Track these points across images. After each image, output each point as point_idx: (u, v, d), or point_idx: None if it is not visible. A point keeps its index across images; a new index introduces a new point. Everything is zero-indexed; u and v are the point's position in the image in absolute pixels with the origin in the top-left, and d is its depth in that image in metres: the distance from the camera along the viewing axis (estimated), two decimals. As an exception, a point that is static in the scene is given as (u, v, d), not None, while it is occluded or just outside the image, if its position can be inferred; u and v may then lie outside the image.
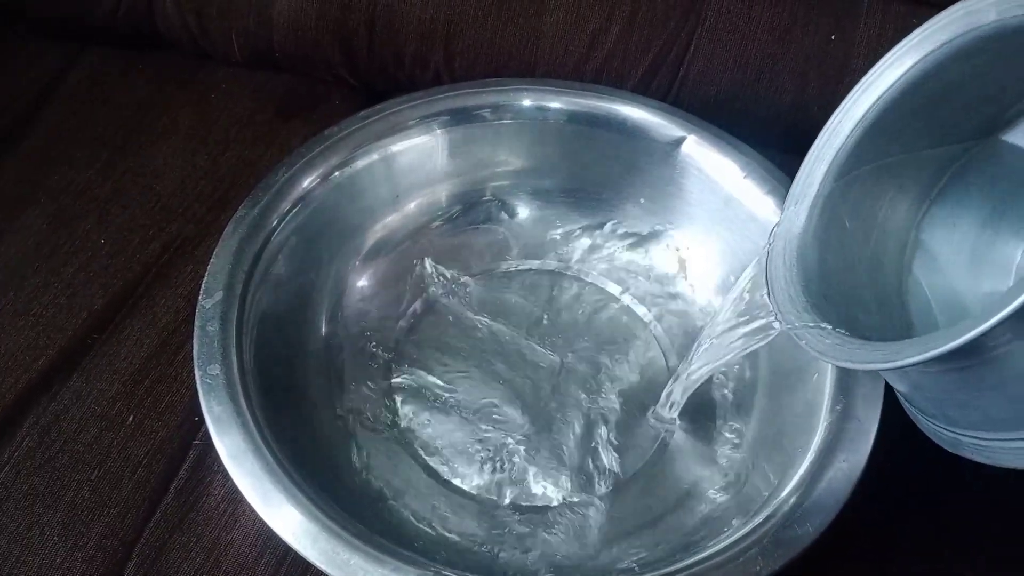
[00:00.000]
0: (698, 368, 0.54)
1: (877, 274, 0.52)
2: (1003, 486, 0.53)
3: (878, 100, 0.48)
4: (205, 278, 0.53)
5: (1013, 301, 0.32)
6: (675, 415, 0.58)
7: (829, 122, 0.50)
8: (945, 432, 0.43)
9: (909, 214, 0.52)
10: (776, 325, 0.47)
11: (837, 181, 0.49)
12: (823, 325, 0.43)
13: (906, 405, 0.47)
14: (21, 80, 0.76)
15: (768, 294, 0.48)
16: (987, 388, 0.38)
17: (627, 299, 0.65)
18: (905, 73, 0.47)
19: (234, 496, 0.52)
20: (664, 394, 0.58)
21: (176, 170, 0.69)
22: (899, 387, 0.47)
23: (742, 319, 0.51)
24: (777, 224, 0.51)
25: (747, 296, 0.50)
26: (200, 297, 0.52)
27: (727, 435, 0.57)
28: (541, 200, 0.67)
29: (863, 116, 0.48)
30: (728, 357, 0.52)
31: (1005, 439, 0.39)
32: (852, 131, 0.49)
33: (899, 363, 0.37)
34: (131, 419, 0.55)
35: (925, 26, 0.46)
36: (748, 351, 0.51)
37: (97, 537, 0.50)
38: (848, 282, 0.49)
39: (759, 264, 0.50)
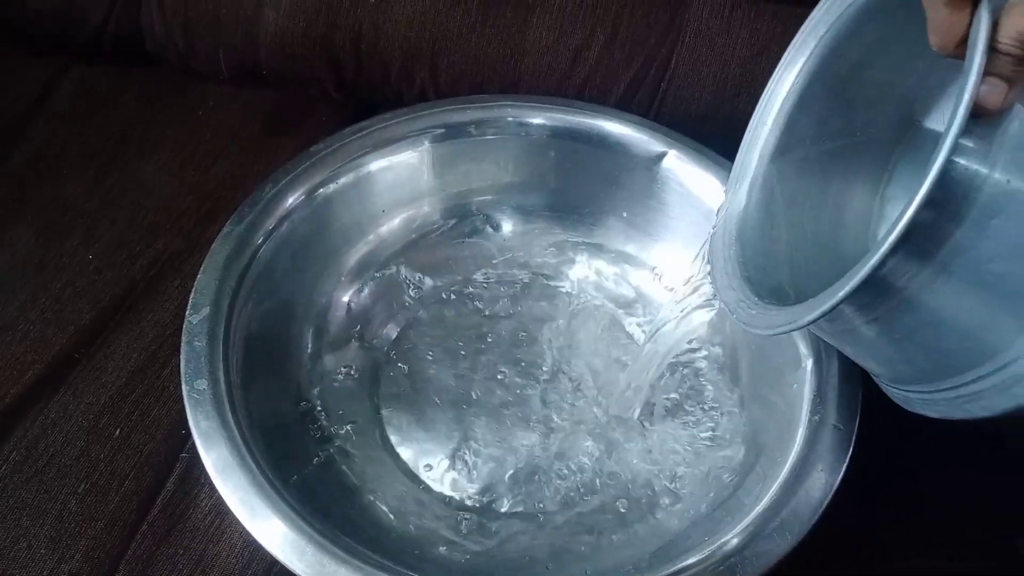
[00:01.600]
0: (648, 360, 0.56)
1: (836, 246, 0.52)
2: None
3: (797, 78, 0.48)
4: (192, 294, 0.54)
5: (865, 266, 0.34)
6: (634, 415, 0.59)
7: (758, 104, 0.51)
8: (896, 391, 0.44)
9: (866, 194, 0.53)
10: (716, 301, 0.49)
11: (773, 162, 0.50)
12: (752, 298, 0.45)
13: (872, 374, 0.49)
14: (8, 95, 0.76)
15: (710, 271, 0.49)
16: (902, 339, 0.40)
17: (609, 309, 0.66)
18: (816, 46, 0.47)
19: (220, 509, 0.52)
20: (620, 391, 0.59)
21: (163, 185, 0.70)
22: (846, 352, 0.48)
23: (687, 299, 0.52)
24: (721, 205, 0.52)
25: (697, 278, 0.52)
26: (187, 313, 0.53)
27: (704, 444, 0.58)
28: (525, 214, 0.68)
29: (786, 95, 0.49)
30: (674, 344, 0.55)
31: (939, 390, 0.40)
32: (778, 112, 0.49)
33: (800, 322, 0.38)
34: (118, 432, 0.55)
35: None
36: (692, 336, 0.53)
37: (84, 550, 0.51)
38: (798, 254, 0.50)
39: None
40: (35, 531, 0.51)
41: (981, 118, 0.34)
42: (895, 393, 0.45)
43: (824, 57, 0.48)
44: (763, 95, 0.50)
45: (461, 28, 0.70)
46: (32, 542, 0.51)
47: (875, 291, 0.37)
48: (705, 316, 0.53)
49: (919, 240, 0.35)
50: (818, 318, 0.37)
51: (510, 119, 0.65)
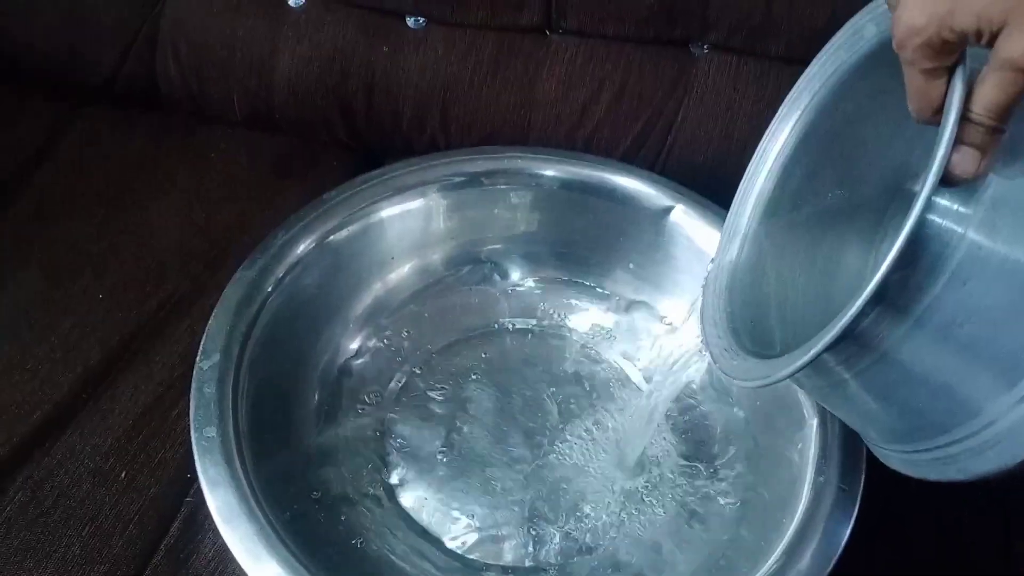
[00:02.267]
0: (648, 411, 0.56)
1: (827, 303, 0.52)
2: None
3: (791, 132, 0.49)
4: (203, 340, 0.54)
5: (841, 321, 0.34)
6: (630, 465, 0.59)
7: (753, 157, 0.51)
8: (879, 449, 0.45)
9: (861, 252, 0.53)
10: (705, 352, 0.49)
11: (766, 215, 0.50)
12: (736, 349, 0.45)
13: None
14: (18, 138, 0.77)
15: (700, 321, 0.50)
16: (880, 398, 0.40)
17: (616, 359, 0.66)
18: (811, 101, 0.48)
19: (224, 555, 0.52)
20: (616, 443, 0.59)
21: (172, 228, 0.70)
22: (829, 409, 0.49)
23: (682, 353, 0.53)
24: (713, 257, 0.52)
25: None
26: (198, 358, 0.53)
27: (713, 508, 0.58)
28: (533, 263, 0.69)
29: (780, 148, 0.50)
30: (670, 391, 0.55)
31: (917, 451, 0.41)
32: (772, 165, 0.50)
33: (778, 375, 0.39)
34: (124, 475, 0.55)
35: (825, 48, 0.47)
36: (684, 382, 0.54)
37: (87, 595, 0.50)
38: (788, 309, 0.50)
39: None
40: (38, 574, 0.51)
41: (956, 185, 0.35)
42: (878, 452, 0.45)
43: (818, 112, 0.48)
44: (758, 148, 0.51)
45: (472, 78, 0.71)
46: (35, 586, 0.51)
47: (851, 346, 0.37)
48: (702, 366, 0.54)
49: (894, 297, 0.35)
50: (795, 372, 0.38)
51: (520, 170, 0.66)
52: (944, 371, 0.37)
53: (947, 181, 0.34)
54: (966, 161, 0.34)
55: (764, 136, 0.51)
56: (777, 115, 0.50)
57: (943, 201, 0.36)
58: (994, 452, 0.36)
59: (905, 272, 0.35)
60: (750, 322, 0.48)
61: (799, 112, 0.49)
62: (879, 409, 0.41)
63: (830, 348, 0.36)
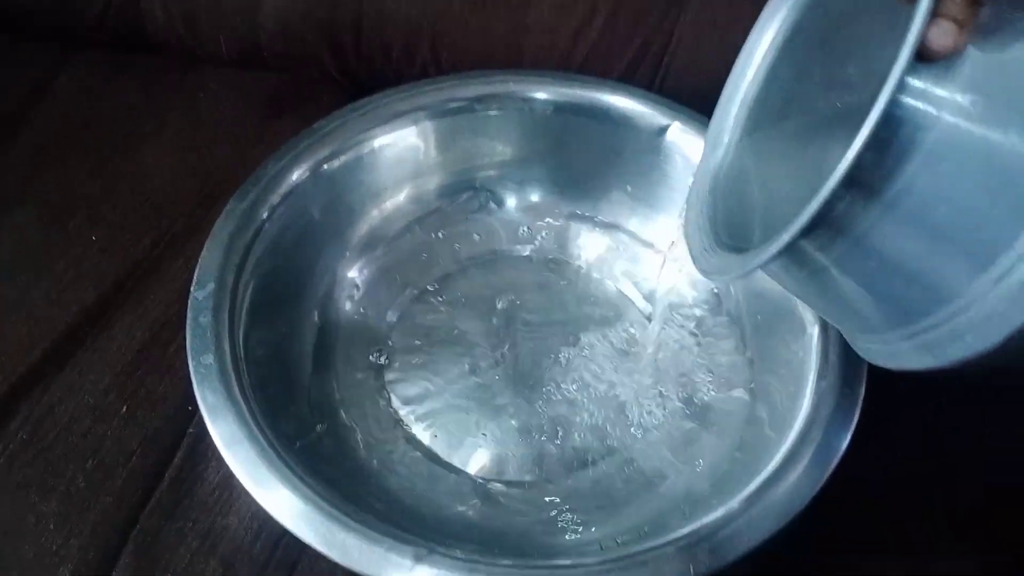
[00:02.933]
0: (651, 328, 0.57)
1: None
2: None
3: (778, 30, 0.48)
4: (197, 270, 0.54)
5: (814, 204, 0.34)
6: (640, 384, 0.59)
7: (738, 57, 0.50)
8: (860, 344, 0.45)
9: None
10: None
11: (753, 122, 0.50)
12: (715, 247, 0.45)
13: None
14: (9, 84, 0.76)
15: (683, 224, 0.49)
16: (857, 285, 0.40)
17: (615, 278, 0.66)
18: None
19: (229, 482, 0.52)
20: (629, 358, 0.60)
21: (166, 169, 0.69)
22: (809, 304, 0.48)
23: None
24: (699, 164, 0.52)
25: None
26: (192, 289, 0.53)
27: (716, 417, 0.58)
28: (529, 189, 0.68)
29: (767, 47, 0.48)
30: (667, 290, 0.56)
31: (895, 339, 0.40)
32: (759, 65, 0.49)
33: (752, 264, 0.38)
34: (124, 410, 0.55)
35: None
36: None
37: (92, 525, 0.50)
38: (770, 214, 0.49)
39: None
40: (43, 508, 0.51)
41: (932, 61, 0.34)
42: (859, 347, 0.45)
43: (807, 8, 0.47)
44: (743, 48, 0.50)
45: (463, 7, 0.70)
46: (40, 518, 0.51)
47: (825, 231, 0.37)
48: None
49: (867, 179, 0.35)
50: (770, 258, 0.37)
51: (512, 94, 0.65)
52: (920, 255, 0.37)
53: (923, 56, 0.33)
54: (943, 35, 0.33)
55: (750, 35, 0.49)
56: (763, 12, 0.48)
57: (917, 83, 0.35)
58: (972, 336, 0.36)
59: (877, 153, 0.34)
60: (732, 225, 0.47)
61: (786, 8, 0.47)
62: (856, 298, 0.41)
63: (804, 233, 0.35)
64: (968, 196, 0.35)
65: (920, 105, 0.34)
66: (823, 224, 0.36)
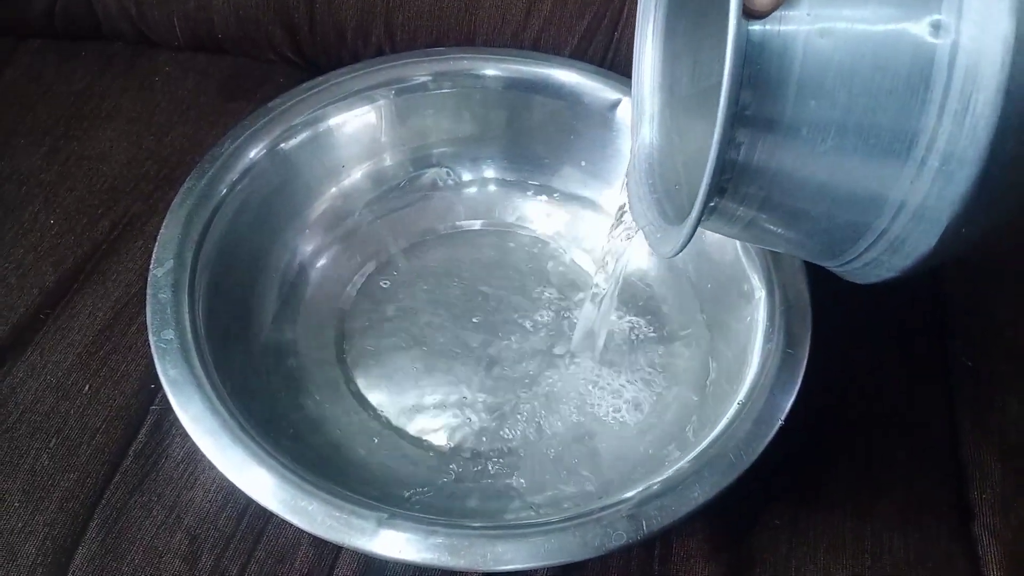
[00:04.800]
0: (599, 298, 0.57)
1: None
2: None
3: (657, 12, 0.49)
4: (155, 248, 0.54)
5: (711, 155, 0.34)
6: (596, 353, 0.60)
7: (635, 36, 0.50)
8: (830, 268, 0.45)
9: None
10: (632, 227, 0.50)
11: (666, 93, 0.50)
12: (660, 222, 0.45)
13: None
14: (-43, 76, 0.75)
15: (628, 205, 0.50)
16: (793, 222, 0.41)
17: (571, 252, 0.67)
18: None
19: (193, 456, 0.53)
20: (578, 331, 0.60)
21: (121, 152, 0.70)
22: (765, 246, 0.50)
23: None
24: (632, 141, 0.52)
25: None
26: (151, 266, 0.53)
27: (669, 380, 0.60)
28: (485, 165, 0.69)
29: (655, 16, 0.49)
30: (612, 273, 0.56)
31: (847, 262, 0.42)
32: (653, 35, 0.50)
33: (687, 231, 0.38)
34: (87, 388, 0.56)
35: None
36: (622, 265, 0.55)
37: (58, 501, 0.51)
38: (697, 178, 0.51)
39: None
40: (7, 486, 0.51)
41: (764, 16, 0.34)
42: (833, 270, 0.46)
43: None
44: (636, 28, 0.50)
45: (415, -16, 0.70)
46: (5, 496, 0.51)
47: (736, 181, 0.37)
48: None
49: (756, 114, 0.35)
50: (694, 226, 0.38)
51: (465, 71, 0.66)
52: (833, 183, 0.37)
53: (753, 15, 0.34)
54: None
55: (637, 20, 0.50)
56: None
57: (757, 27, 0.35)
58: (909, 245, 0.37)
59: (755, 87, 0.35)
60: (671, 198, 0.48)
61: None
62: (796, 234, 0.42)
63: (718, 190, 0.36)
64: (858, 96, 0.35)
65: (777, 28, 0.35)
66: (732, 176, 0.37)
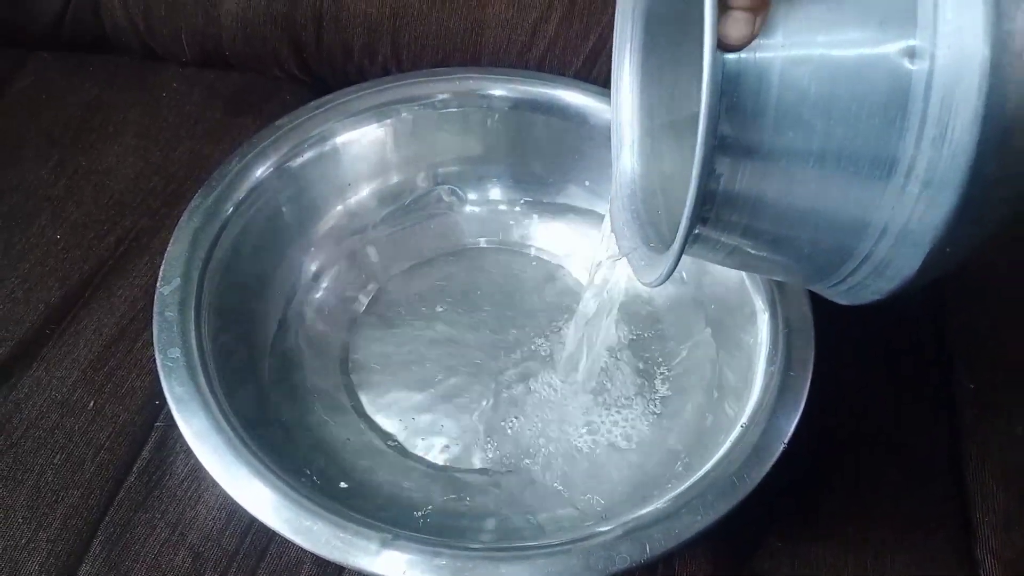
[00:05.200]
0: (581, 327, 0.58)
1: None
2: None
3: (635, 18, 0.49)
4: (162, 266, 0.54)
5: (692, 184, 0.34)
6: (586, 382, 0.60)
7: (612, 62, 0.51)
8: (816, 290, 0.45)
9: None
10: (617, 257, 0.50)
11: (645, 119, 0.50)
12: (644, 250, 0.45)
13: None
14: (-34, 87, 0.76)
15: (615, 235, 0.50)
16: (776, 247, 0.41)
17: (576, 271, 0.67)
18: None
19: (197, 474, 0.53)
20: (564, 359, 0.61)
21: (128, 167, 0.70)
22: (751, 271, 0.50)
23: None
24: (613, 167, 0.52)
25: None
26: (158, 284, 0.53)
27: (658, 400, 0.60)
28: (490, 185, 0.69)
29: (632, 40, 0.49)
30: (591, 306, 0.56)
31: (832, 285, 0.42)
32: (630, 62, 0.50)
33: (672, 259, 0.38)
34: (92, 404, 0.56)
35: None
36: (605, 293, 0.55)
37: (62, 518, 0.51)
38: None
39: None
40: (12, 501, 0.52)
41: (739, 49, 0.34)
42: (818, 292, 0.46)
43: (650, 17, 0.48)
44: (613, 55, 0.51)
45: (421, 4, 0.71)
46: (9, 512, 0.51)
47: (720, 209, 0.37)
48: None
49: (735, 142, 0.35)
50: (677, 256, 0.37)
51: (472, 91, 0.66)
52: (817, 199, 0.37)
53: (728, 48, 0.34)
54: (738, 26, 0.34)
55: (615, 27, 0.50)
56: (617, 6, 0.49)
57: (733, 56, 0.35)
58: (891, 269, 0.37)
59: (734, 116, 0.35)
60: (655, 227, 0.48)
61: (631, 20, 0.48)
62: (780, 259, 0.42)
63: (701, 219, 0.36)
64: (836, 123, 0.35)
65: (753, 56, 0.35)
66: (715, 205, 0.37)
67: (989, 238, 0.38)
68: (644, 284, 0.44)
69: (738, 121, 0.35)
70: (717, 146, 0.35)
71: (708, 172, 0.35)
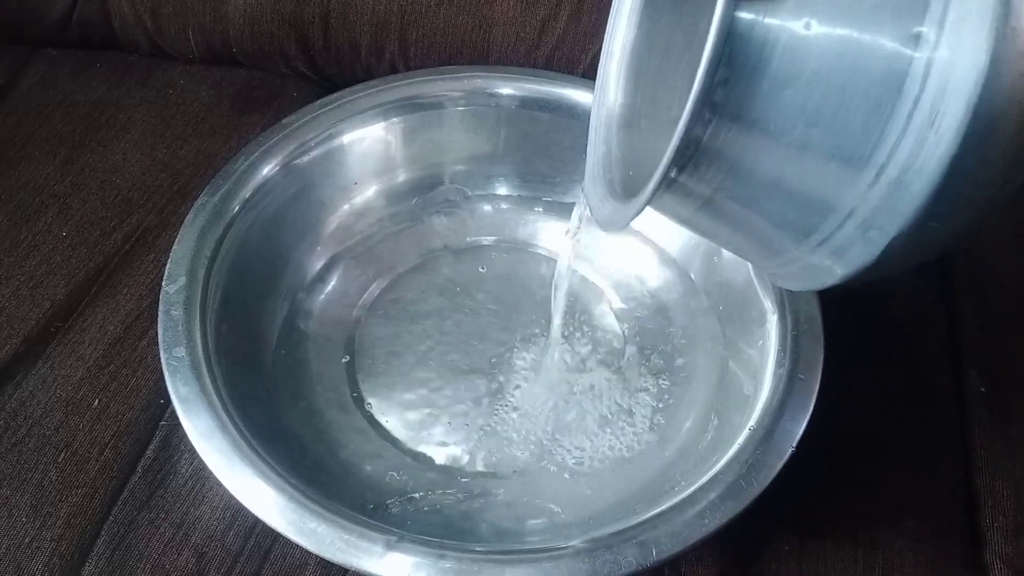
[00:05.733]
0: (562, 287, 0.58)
1: None
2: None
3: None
4: (168, 264, 0.54)
5: (677, 130, 0.34)
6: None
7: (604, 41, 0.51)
8: (763, 271, 0.46)
9: None
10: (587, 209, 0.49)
11: (636, 52, 0.50)
12: (609, 197, 0.45)
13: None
14: (-27, 84, 0.76)
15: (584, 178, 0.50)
16: (744, 210, 0.40)
17: (582, 269, 0.67)
18: None
19: (201, 473, 0.53)
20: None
21: (135, 165, 0.70)
22: (710, 239, 0.49)
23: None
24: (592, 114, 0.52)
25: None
26: (164, 283, 0.53)
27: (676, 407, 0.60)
28: (497, 182, 0.69)
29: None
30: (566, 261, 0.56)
31: (787, 262, 0.42)
32: (628, 19, 0.50)
33: (639, 203, 0.38)
34: (96, 403, 0.56)
35: None
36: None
37: (66, 517, 0.51)
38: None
39: None
40: (16, 500, 0.52)
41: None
42: (770, 275, 0.46)
43: None
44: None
45: (429, 1, 0.70)
46: (13, 511, 0.51)
47: (699, 160, 0.37)
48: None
49: (725, 102, 0.35)
50: (650, 196, 0.37)
51: (479, 90, 0.66)
52: (793, 170, 0.37)
53: None
54: None
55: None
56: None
57: (746, 15, 0.35)
58: (854, 251, 0.37)
59: (729, 74, 0.34)
60: (628, 172, 0.47)
61: None
62: (746, 224, 0.42)
63: (679, 166, 0.36)
64: (832, 93, 0.35)
65: (762, 19, 0.35)
66: (695, 153, 0.36)
67: (946, 239, 0.38)
68: (607, 227, 0.44)
69: (737, 73, 0.35)
70: (711, 92, 0.34)
71: (699, 112, 0.34)
